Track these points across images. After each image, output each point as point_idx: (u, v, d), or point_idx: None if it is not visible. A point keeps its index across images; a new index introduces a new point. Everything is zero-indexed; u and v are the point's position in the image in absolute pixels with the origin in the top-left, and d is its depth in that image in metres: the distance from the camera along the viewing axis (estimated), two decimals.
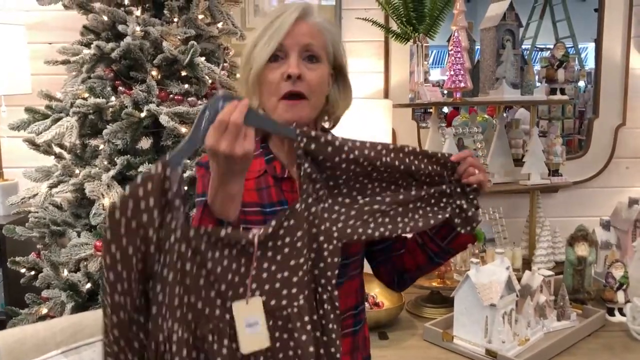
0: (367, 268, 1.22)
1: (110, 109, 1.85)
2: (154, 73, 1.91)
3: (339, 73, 1.11)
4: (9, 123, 1.90)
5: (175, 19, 1.97)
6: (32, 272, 1.97)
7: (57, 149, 2.02)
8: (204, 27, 1.99)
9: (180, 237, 0.84)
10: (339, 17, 2.47)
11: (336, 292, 0.95)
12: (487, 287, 1.64)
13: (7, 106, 2.25)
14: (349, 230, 0.97)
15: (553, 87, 2.30)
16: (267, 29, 1.02)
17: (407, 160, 1.02)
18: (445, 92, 2.28)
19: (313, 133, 0.94)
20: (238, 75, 1.99)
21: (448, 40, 2.14)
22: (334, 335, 0.94)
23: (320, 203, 0.96)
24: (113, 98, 1.86)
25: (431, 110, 2.28)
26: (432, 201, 1.05)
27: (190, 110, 1.81)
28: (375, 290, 2.04)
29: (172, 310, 0.85)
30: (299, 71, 1.00)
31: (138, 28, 1.84)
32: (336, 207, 0.97)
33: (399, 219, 1.02)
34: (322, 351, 0.93)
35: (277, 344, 0.91)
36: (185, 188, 0.88)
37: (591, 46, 2.66)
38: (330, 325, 0.94)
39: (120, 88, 1.87)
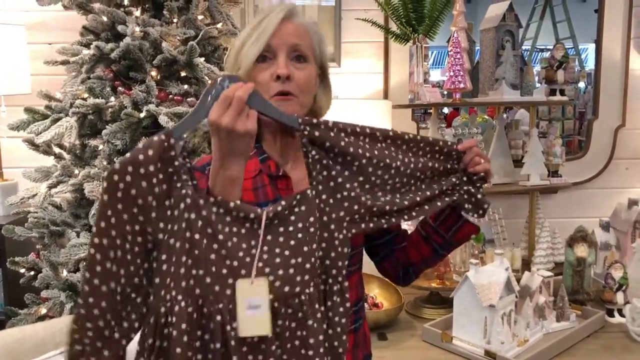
0: (366, 269, 1.22)
1: (110, 110, 1.85)
2: (154, 73, 1.91)
3: (322, 74, 1.14)
4: (8, 123, 1.90)
5: (175, 20, 1.97)
6: (32, 272, 1.97)
7: (56, 149, 2.02)
8: (203, 27, 1.99)
9: (191, 205, 0.83)
10: (339, 18, 2.47)
11: (346, 284, 0.94)
12: (486, 288, 1.64)
13: (6, 106, 2.25)
14: (358, 219, 0.97)
15: (552, 88, 2.30)
16: (254, 29, 1.04)
17: (414, 147, 1.02)
18: (445, 92, 2.28)
19: (315, 120, 0.94)
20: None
21: (448, 41, 2.14)
22: (339, 329, 0.93)
23: (331, 190, 0.95)
24: (112, 98, 1.86)
25: (431, 111, 2.28)
26: (439, 189, 1.05)
27: (189, 110, 1.81)
28: (375, 291, 2.05)
29: (176, 280, 0.82)
30: (288, 71, 1.02)
31: (137, 28, 1.84)
32: (345, 194, 0.96)
33: (405, 207, 1.01)
34: (326, 345, 0.91)
35: (287, 333, 0.88)
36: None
37: (591, 47, 2.66)
38: (337, 319, 0.93)
39: (120, 88, 1.87)
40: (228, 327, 0.84)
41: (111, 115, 1.86)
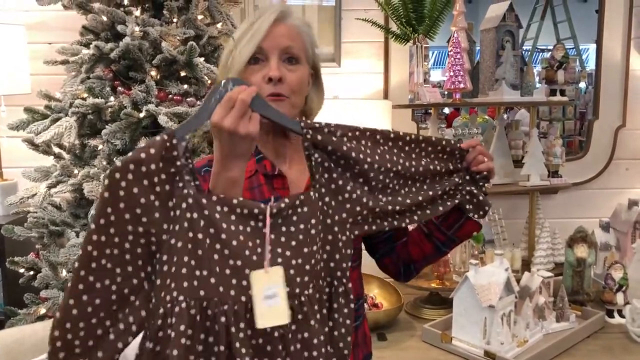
0: (366, 269, 1.22)
1: (109, 109, 1.85)
2: (153, 73, 1.91)
3: (315, 74, 1.14)
4: (8, 123, 1.90)
5: (175, 20, 1.97)
6: (31, 272, 1.97)
7: (56, 149, 2.02)
8: (203, 27, 1.99)
9: (193, 204, 0.83)
10: (339, 18, 2.47)
11: (350, 285, 0.95)
12: (486, 289, 1.64)
13: (6, 106, 2.25)
14: (360, 220, 0.97)
15: (553, 88, 2.30)
16: (246, 31, 1.05)
17: (416, 149, 1.02)
18: (445, 92, 2.27)
19: (316, 124, 0.94)
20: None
21: (448, 41, 2.14)
22: (344, 330, 0.93)
23: (334, 192, 0.95)
24: (112, 98, 1.86)
25: (431, 111, 2.28)
26: (442, 189, 1.05)
27: (189, 110, 1.80)
28: (374, 292, 2.04)
29: (177, 280, 0.82)
30: (279, 74, 1.02)
31: (137, 28, 1.84)
32: (347, 196, 0.96)
33: (408, 209, 1.01)
34: (329, 347, 0.92)
35: (290, 335, 0.88)
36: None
37: (592, 47, 2.66)
38: (342, 320, 0.93)
39: (119, 88, 1.86)
40: (233, 329, 0.83)
41: (111, 115, 1.85)
